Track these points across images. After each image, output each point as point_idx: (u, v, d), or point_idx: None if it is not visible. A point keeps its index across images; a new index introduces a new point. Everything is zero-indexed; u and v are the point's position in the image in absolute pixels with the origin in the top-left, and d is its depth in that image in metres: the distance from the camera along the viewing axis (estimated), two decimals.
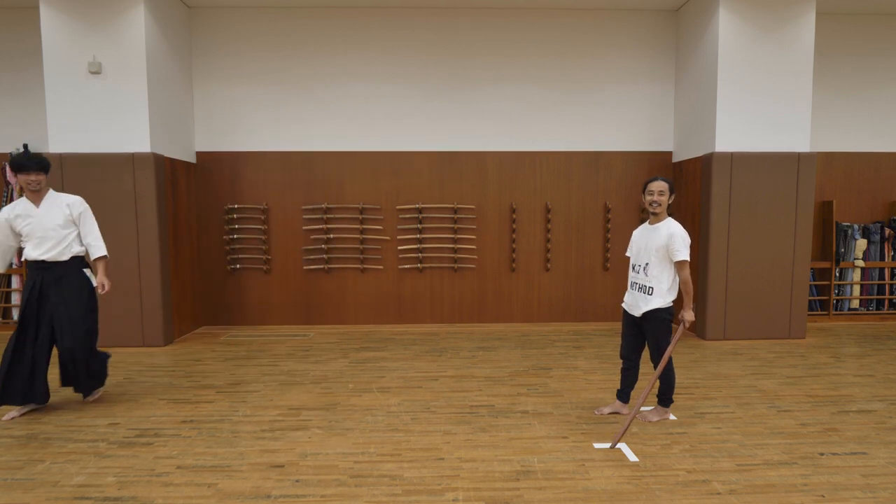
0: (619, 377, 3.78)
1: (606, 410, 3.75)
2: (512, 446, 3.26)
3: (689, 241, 3.41)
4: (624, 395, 3.74)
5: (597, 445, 3.26)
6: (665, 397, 3.63)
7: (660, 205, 3.43)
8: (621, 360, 3.74)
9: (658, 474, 2.91)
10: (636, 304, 3.51)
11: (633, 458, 3.10)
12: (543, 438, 3.36)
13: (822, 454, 3.15)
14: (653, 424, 3.57)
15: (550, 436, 3.40)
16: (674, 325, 3.53)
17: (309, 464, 3.05)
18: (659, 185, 3.44)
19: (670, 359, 3.48)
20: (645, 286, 3.46)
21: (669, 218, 3.48)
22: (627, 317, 3.63)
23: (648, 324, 3.47)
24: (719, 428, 3.51)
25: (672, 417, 3.68)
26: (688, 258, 3.36)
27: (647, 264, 3.45)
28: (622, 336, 3.70)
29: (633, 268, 3.57)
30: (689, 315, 3.39)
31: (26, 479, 2.89)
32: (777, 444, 3.27)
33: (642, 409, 3.71)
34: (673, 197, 3.49)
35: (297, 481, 2.86)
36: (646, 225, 3.57)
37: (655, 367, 3.48)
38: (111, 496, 2.72)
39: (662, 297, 3.41)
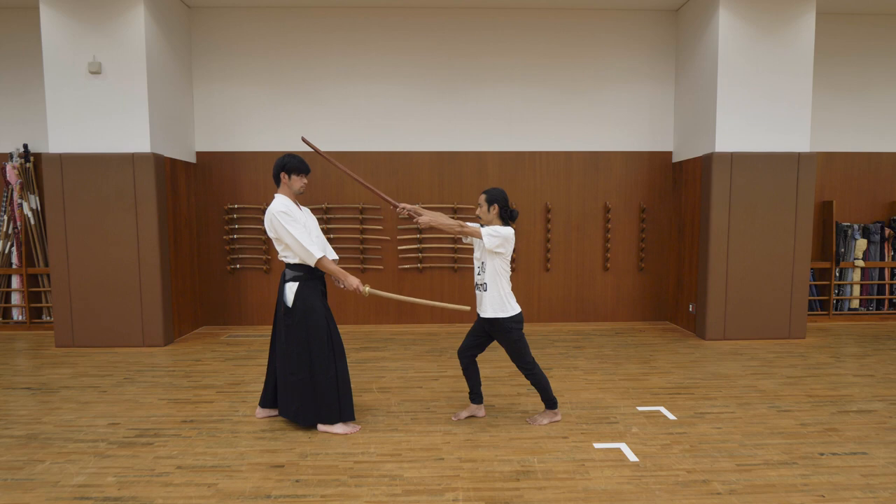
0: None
1: (464, 414, 3.71)
2: (512, 446, 3.26)
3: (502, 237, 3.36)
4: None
5: (597, 445, 3.26)
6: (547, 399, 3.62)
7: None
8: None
9: (658, 474, 2.91)
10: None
11: (633, 458, 3.10)
12: (543, 438, 3.36)
13: (822, 454, 3.15)
14: (653, 424, 3.57)
15: (550, 436, 3.40)
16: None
17: (309, 464, 3.05)
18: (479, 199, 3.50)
19: (533, 362, 3.50)
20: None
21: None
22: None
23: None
24: (719, 428, 3.51)
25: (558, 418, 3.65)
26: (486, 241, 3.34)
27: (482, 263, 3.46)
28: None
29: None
30: (423, 219, 3.45)
31: (26, 479, 2.89)
32: (777, 444, 3.27)
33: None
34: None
35: (297, 481, 2.86)
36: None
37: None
38: (111, 496, 2.72)
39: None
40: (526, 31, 6.38)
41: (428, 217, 3.48)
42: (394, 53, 6.35)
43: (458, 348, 3.65)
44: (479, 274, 3.48)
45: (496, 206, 3.43)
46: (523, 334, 3.49)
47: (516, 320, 3.44)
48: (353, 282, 3.46)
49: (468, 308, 3.58)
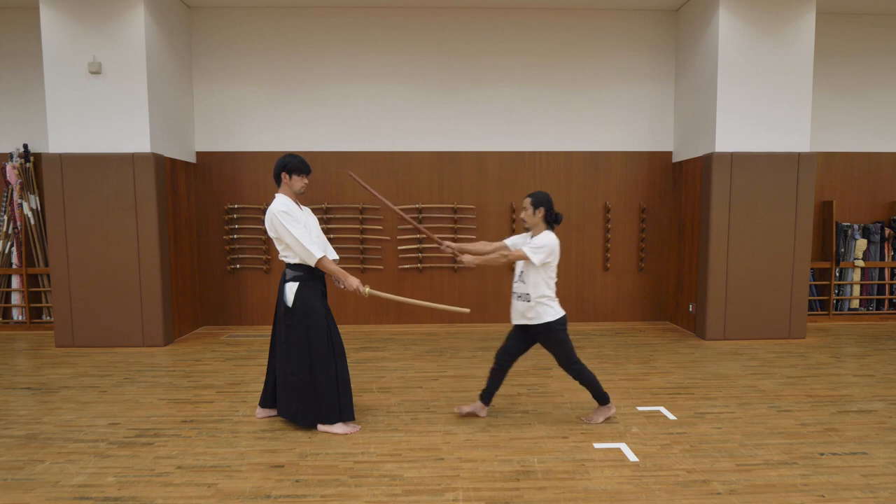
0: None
1: (466, 409, 3.71)
2: (512, 446, 3.26)
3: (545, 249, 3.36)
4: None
5: (597, 445, 3.26)
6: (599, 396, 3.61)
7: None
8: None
9: (658, 474, 2.91)
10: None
11: (633, 458, 3.10)
12: (543, 438, 3.36)
13: (822, 454, 3.15)
14: (653, 424, 3.57)
15: (550, 436, 3.40)
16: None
17: (309, 464, 3.05)
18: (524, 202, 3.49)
19: (579, 362, 3.49)
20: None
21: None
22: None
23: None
24: (719, 428, 3.51)
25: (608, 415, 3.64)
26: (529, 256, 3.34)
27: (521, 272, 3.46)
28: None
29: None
30: (467, 258, 3.49)
31: (26, 479, 2.89)
32: (777, 444, 3.27)
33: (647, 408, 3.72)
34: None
35: (297, 481, 2.86)
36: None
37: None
38: (111, 496, 2.72)
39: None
40: (526, 31, 6.38)
41: (472, 257, 3.50)
42: (394, 53, 6.35)
43: (498, 350, 3.63)
44: (518, 283, 3.46)
45: (542, 209, 3.41)
46: (568, 335, 3.48)
47: (562, 322, 3.44)
48: (353, 282, 3.46)
49: (468, 310, 3.59)
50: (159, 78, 5.62)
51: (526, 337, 3.53)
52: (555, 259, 3.41)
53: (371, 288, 3.50)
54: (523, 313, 3.45)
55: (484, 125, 6.44)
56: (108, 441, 3.35)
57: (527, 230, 3.54)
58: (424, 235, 3.71)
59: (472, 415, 3.71)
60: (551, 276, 3.44)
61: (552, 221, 3.45)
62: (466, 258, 3.51)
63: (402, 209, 6.41)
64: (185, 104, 6.20)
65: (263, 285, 6.47)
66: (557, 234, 6.74)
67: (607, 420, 3.61)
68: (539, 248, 3.33)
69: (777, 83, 5.62)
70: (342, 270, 3.46)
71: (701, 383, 4.41)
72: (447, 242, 3.64)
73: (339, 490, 2.77)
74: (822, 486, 2.79)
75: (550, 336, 3.43)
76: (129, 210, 5.46)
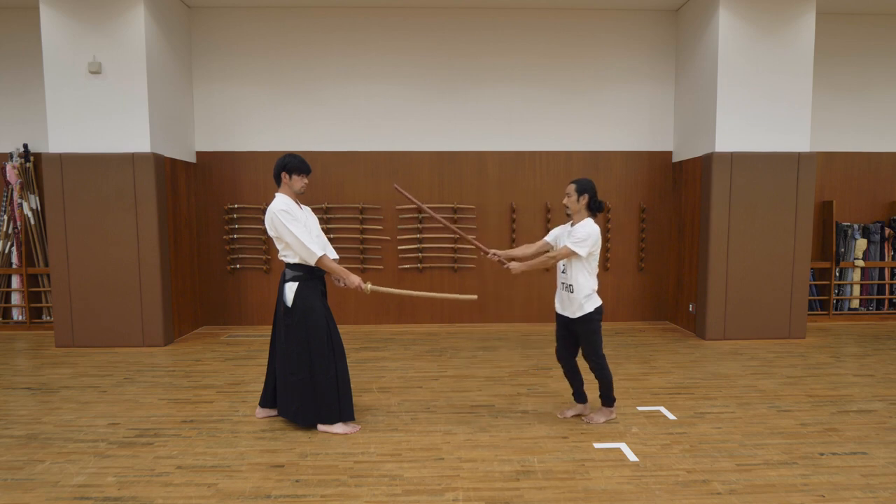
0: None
1: (570, 413, 3.72)
2: (512, 446, 3.26)
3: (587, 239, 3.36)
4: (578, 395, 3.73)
5: (597, 445, 3.26)
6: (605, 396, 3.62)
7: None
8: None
9: (658, 474, 2.91)
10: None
11: (633, 458, 3.10)
12: (543, 438, 3.36)
13: (822, 454, 3.15)
14: (653, 424, 3.57)
15: (550, 436, 3.40)
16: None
17: (309, 464, 3.05)
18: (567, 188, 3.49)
19: (603, 357, 3.51)
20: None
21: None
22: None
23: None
24: (719, 428, 3.51)
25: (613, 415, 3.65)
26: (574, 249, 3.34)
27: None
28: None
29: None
30: (514, 265, 3.47)
31: (26, 479, 2.89)
32: (777, 444, 3.27)
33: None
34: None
35: (297, 481, 2.86)
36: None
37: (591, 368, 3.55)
38: (111, 496, 2.72)
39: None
40: (526, 31, 6.38)
41: (518, 264, 3.49)
42: (394, 53, 6.35)
43: (557, 353, 3.66)
44: (563, 273, 3.46)
45: (586, 196, 3.42)
46: (601, 327, 3.49)
47: (599, 311, 3.45)
48: (355, 280, 3.46)
49: (475, 297, 3.59)
50: (159, 78, 5.62)
51: (568, 329, 3.55)
52: (598, 249, 3.41)
53: (372, 285, 3.50)
54: (567, 304, 3.47)
55: (484, 125, 6.44)
56: (108, 441, 3.35)
57: (567, 216, 3.53)
58: (478, 247, 3.68)
59: (579, 416, 3.69)
60: (594, 266, 3.44)
61: (595, 209, 3.45)
62: (513, 265, 3.49)
63: (401, 209, 6.42)
64: (185, 104, 6.20)
65: (263, 285, 6.47)
66: None
67: (607, 422, 3.61)
68: (582, 240, 3.33)
69: (777, 83, 5.62)
70: (343, 268, 3.46)
71: (701, 383, 4.41)
72: (493, 251, 3.61)
73: (339, 490, 2.77)
74: (822, 486, 2.79)
75: (587, 325, 3.44)
76: (129, 210, 5.46)
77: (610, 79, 6.45)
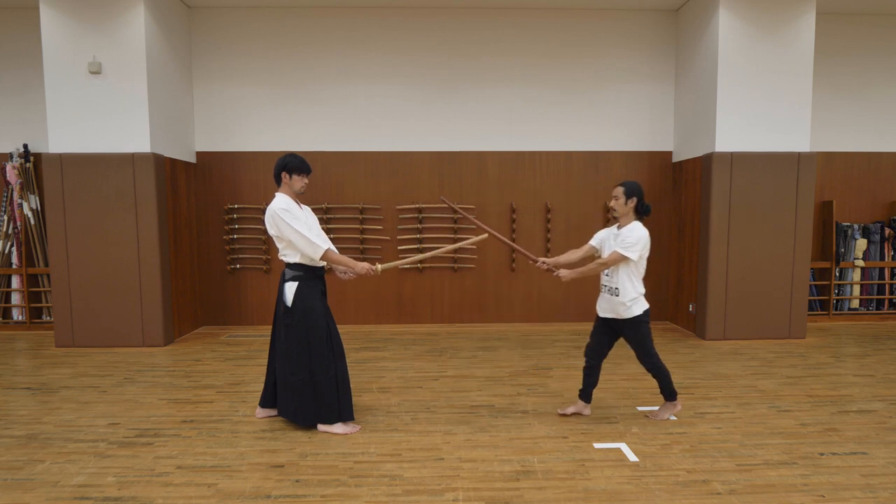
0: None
1: (570, 410, 3.72)
2: (512, 446, 3.26)
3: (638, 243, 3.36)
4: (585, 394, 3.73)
5: (597, 445, 3.26)
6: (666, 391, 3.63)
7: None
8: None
9: (658, 474, 2.91)
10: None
11: (633, 458, 3.10)
12: (543, 438, 3.36)
13: (822, 454, 3.15)
14: (653, 424, 3.57)
15: (550, 436, 3.40)
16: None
17: (309, 464, 3.05)
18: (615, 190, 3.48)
19: (656, 356, 3.50)
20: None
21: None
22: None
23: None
24: (719, 428, 3.51)
25: (673, 418, 3.67)
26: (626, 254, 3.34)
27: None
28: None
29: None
30: (563, 273, 3.47)
31: (26, 479, 2.89)
32: (777, 444, 3.27)
33: (648, 408, 3.73)
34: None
35: (297, 481, 2.86)
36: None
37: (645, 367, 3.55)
38: (111, 496, 2.72)
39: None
40: (526, 31, 6.38)
41: (568, 272, 3.47)
42: (394, 53, 6.35)
43: (586, 349, 3.65)
44: (607, 276, 3.45)
45: (634, 199, 3.41)
46: (650, 329, 3.48)
47: (647, 314, 3.44)
48: (363, 266, 3.46)
49: (486, 235, 3.59)
50: (159, 78, 5.62)
51: (610, 330, 3.54)
52: (647, 252, 3.40)
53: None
54: (612, 308, 3.46)
55: (484, 125, 6.44)
56: (108, 441, 3.35)
57: (614, 219, 3.52)
58: (527, 255, 3.66)
59: (578, 414, 3.70)
60: (642, 270, 3.44)
61: (643, 212, 3.43)
62: (563, 273, 3.47)
63: (401, 209, 6.42)
64: (185, 104, 6.20)
65: (263, 285, 6.47)
66: (557, 235, 6.77)
67: (665, 414, 3.61)
68: (633, 244, 3.32)
69: (777, 83, 5.62)
70: (349, 258, 3.48)
71: (701, 383, 4.41)
72: (542, 259, 3.59)
73: (339, 490, 2.77)
74: (822, 486, 2.79)
75: (637, 328, 3.43)
76: (129, 210, 5.46)
77: (610, 79, 6.45)
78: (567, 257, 3.62)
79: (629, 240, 3.33)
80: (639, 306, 3.41)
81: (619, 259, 3.34)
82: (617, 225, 3.50)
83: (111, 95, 5.39)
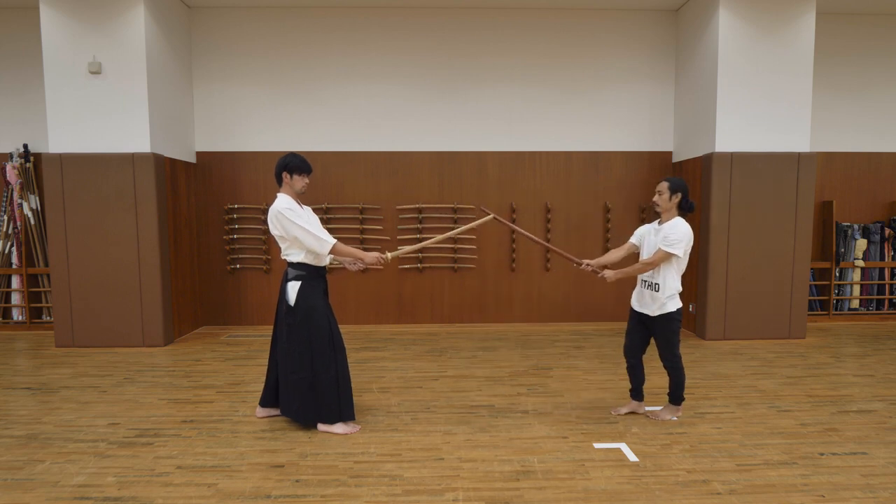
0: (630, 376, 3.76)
1: (623, 410, 3.75)
2: (512, 446, 3.26)
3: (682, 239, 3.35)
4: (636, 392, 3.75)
5: (597, 445, 3.26)
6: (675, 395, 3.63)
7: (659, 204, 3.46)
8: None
9: (658, 474, 2.91)
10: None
11: (633, 458, 3.10)
12: (543, 438, 3.36)
13: (822, 454, 3.15)
14: (653, 424, 3.57)
15: (550, 436, 3.40)
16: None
17: (309, 464, 3.05)
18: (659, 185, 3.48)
19: (680, 357, 3.51)
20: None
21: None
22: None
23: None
24: (719, 428, 3.51)
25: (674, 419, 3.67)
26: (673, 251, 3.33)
27: None
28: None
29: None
30: (608, 274, 3.46)
31: (26, 479, 2.89)
32: (777, 444, 3.27)
33: (652, 408, 3.75)
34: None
35: (297, 481, 2.86)
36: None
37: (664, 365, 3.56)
38: (111, 496, 2.72)
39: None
40: (526, 31, 6.38)
41: (613, 272, 3.46)
42: (394, 53, 6.35)
43: (625, 348, 3.67)
44: (650, 273, 3.44)
45: (679, 195, 3.39)
46: (680, 327, 3.48)
47: (680, 312, 3.44)
48: (372, 256, 3.45)
49: (492, 215, 3.60)
50: (159, 78, 5.62)
51: (644, 326, 3.55)
52: (690, 249, 3.38)
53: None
54: (648, 303, 3.45)
55: (484, 125, 6.44)
56: (108, 441, 3.35)
57: (656, 214, 3.51)
58: (570, 259, 3.64)
59: (633, 413, 3.72)
60: (683, 267, 3.42)
61: (686, 209, 3.41)
62: (608, 273, 3.46)
63: (401, 209, 6.42)
64: (185, 104, 6.20)
65: (263, 285, 6.47)
66: (557, 235, 6.76)
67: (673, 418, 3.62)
68: (677, 241, 3.30)
69: (777, 83, 5.62)
70: (357, 250, 3.48)
71: (701, 383, 4.41)
72: (586, 261, 3.57)
73: (339, 490, 2.77)
74: (822, 486, 2.79)
75: (668, 325, 3.43)
76: (129, 210, 5.46)
77: (610, 79, 6.45)
78: (609, 257, 3.61)
79: (673, 236, 3.31)
80: (673, 303, 3.40)
81: (665, 257, 3.33)
82: (658, 220, 3.49)
83: (111, 95, 5.39)
